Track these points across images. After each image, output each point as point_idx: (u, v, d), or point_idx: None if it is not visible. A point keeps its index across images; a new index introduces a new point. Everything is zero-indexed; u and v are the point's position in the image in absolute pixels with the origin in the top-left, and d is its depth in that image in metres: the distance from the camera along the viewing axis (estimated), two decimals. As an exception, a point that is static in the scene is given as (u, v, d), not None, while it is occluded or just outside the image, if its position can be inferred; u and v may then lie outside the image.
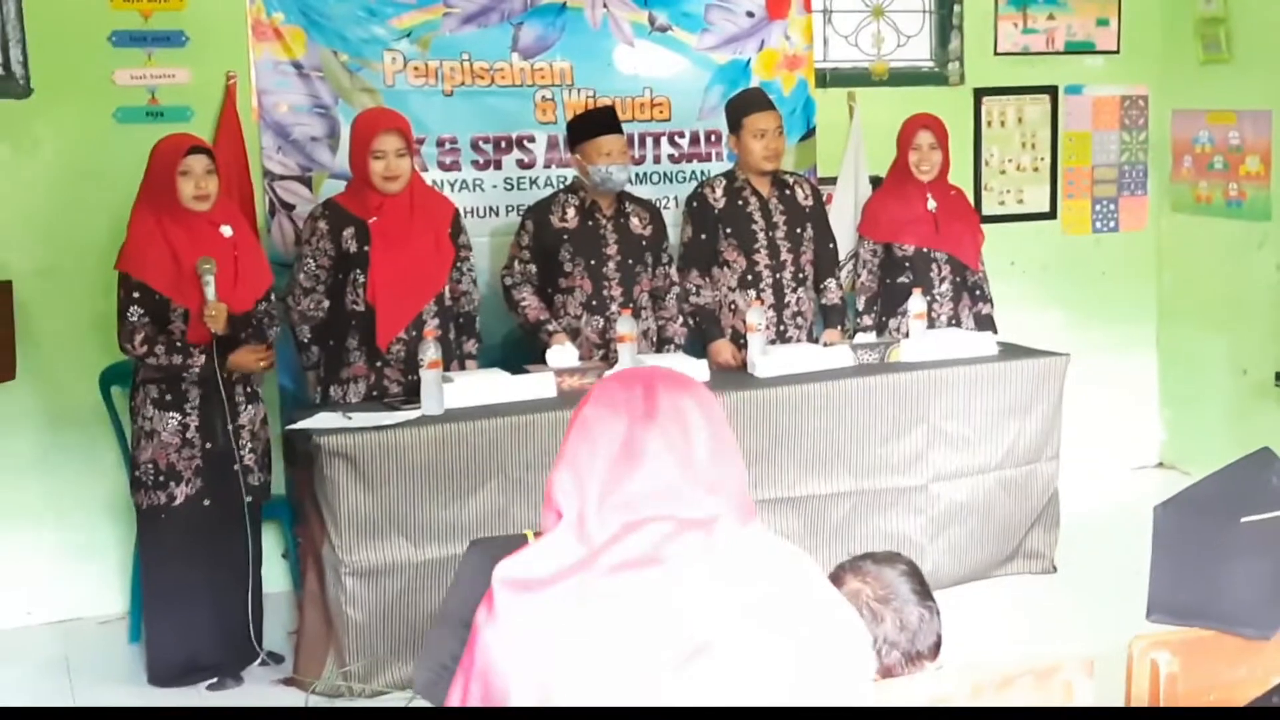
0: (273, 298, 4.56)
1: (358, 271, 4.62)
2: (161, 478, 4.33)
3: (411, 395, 4.52)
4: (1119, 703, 2.48)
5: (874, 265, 5.61)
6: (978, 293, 5.70)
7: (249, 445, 4.45)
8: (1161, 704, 2.41)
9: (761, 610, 1.61)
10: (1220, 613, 2.48)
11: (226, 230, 4.39)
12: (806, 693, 1.59)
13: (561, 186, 5.22)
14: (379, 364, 4.67)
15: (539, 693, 1.54)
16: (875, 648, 2.38)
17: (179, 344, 4.27)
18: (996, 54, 6.54)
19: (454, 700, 1.63)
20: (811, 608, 1.65)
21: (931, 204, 5.54)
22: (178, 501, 4.35)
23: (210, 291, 4.23)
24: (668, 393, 1.70)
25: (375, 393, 4.66)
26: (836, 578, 2.50)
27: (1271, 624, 2.45)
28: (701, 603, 1.58)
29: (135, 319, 4.27)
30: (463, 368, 4.85)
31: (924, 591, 2.43)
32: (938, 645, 2.42)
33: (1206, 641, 2.46)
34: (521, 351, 5.06)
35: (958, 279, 5.61)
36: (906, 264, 5.55)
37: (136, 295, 4.27)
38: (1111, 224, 6.87)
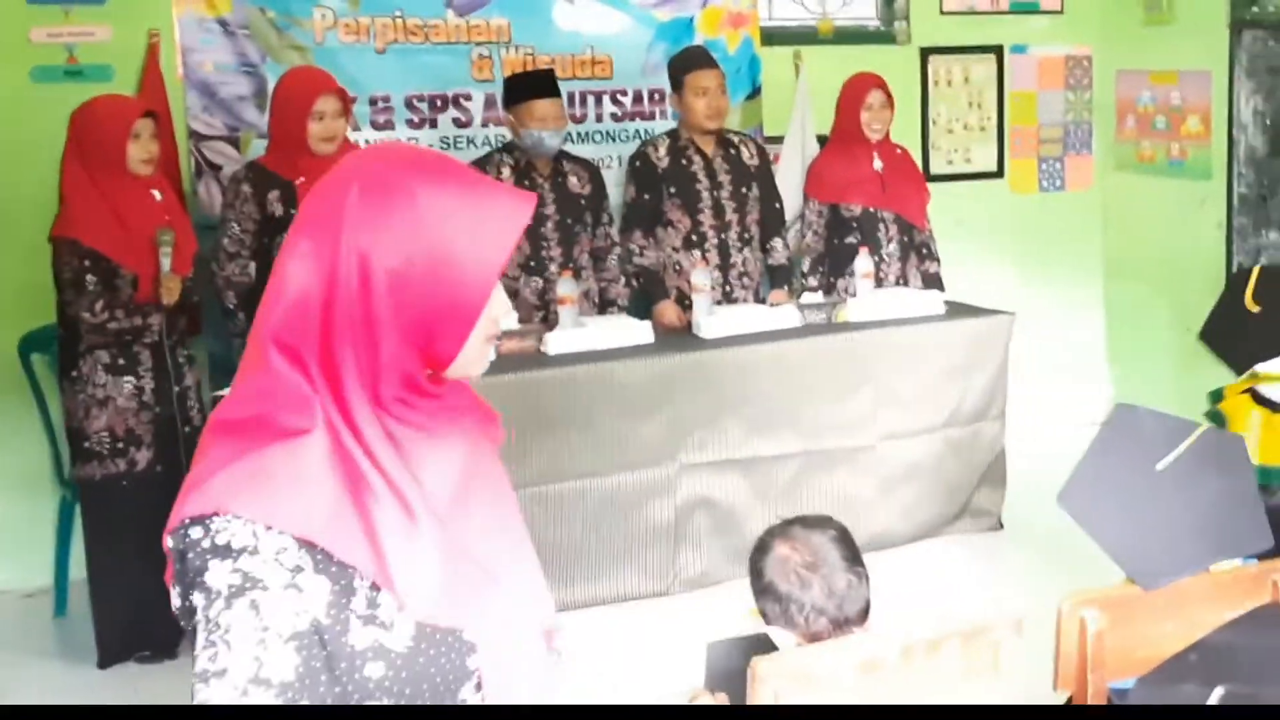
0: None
1: (284, 235, 4.48)
2: (120, 444, 4.23)
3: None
4: (1048, 660, 2.44)
5: (819, 226, 5.53)
6: (925, 251, 5.64)
7: (195, 407, 4.40)
8: (1089, 661, 2.37)
9: None
10: (1121, 551, 2.44)
11: (157, 194, 4.29)
12: None
13: (499, 145, 5.10)
14: (308, 328, 4.53)
15: None
16: (803, 614, 2.38)
17: (133, 307, 4.19)
18: (943, 13, 6.48)
19: None
20: None
21: (878, 164, 5.47)
22: (139, 467, 4.25)
23: (167, 263, 4.17)
24: None
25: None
26: (764, 544, 2.46)
27: (1157, 576, 2.40)
28: None
29: (92, 286, 4.15)
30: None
31: (853, 557, 2.42)
32: (866, 611, 2.41)
33: (1133, 599, 2.42)
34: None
35: (905, 238, 5.55)
36: (853, 224, 5.47)
37: (88, 262, 4.15)
38: (1058, 183, 6.83)
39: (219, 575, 1.34)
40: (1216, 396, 4.35)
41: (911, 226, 5.56)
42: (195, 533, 1.36)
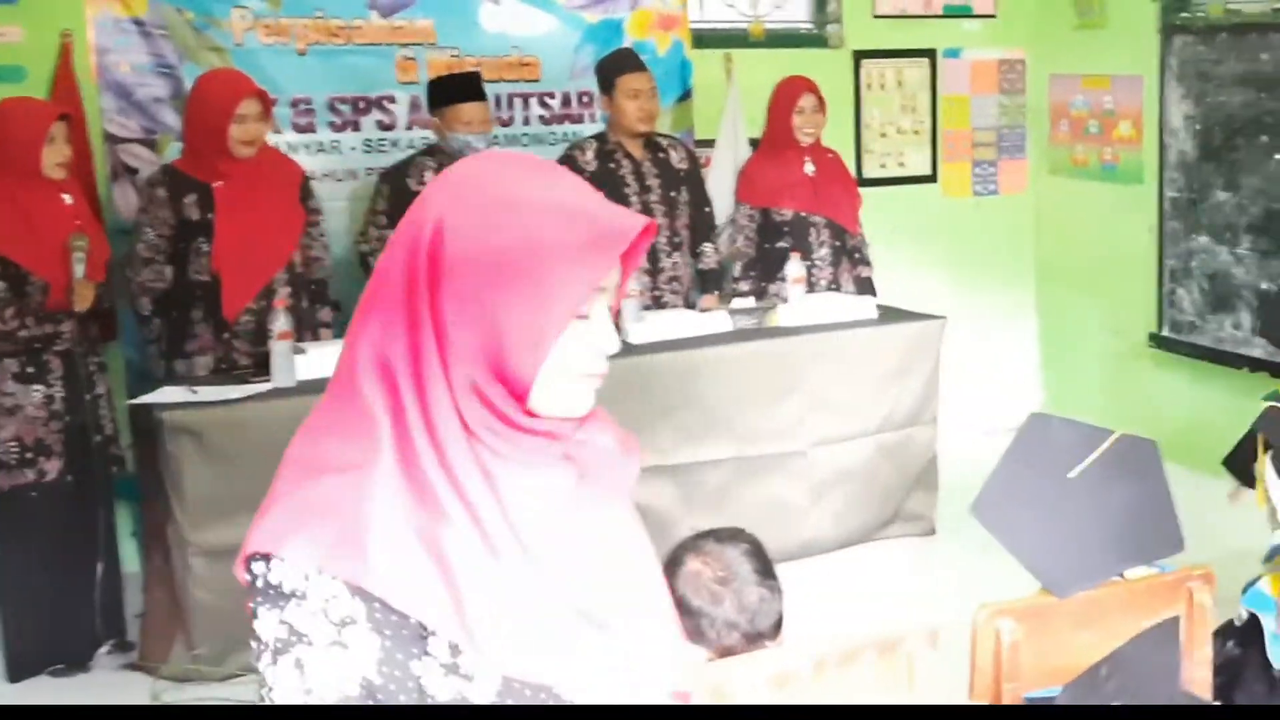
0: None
1: (201, 240, 4.39)
2: (29, 454, 4.13)
3: (261, 368, 4.30)
4: (964, 672, 2.40)
5: (751, 230, 5.49)
6: (857, 256, 5.61)
7: (107, 416, 4.30)
8: (1004, 672, 2.34)
9: None
10: (1034, 560, 2.41)
11: (68, 198, 4.19)
12: None
13: (423, 148, 5.02)
14: (226, 336, 4.44)
15: None
16: (714, 629, 2.34)
17: (44, 314, 4.09)
18: (875, 17, 6.46)
19: None
20: None
21: (810, 168, 5.44)
22: (49, 478, 4.15)
23: (80, 270, 4.08)
24: None
25: (224, 365, 4.44)
26: (676, 559, 2.43)
27: (1071, 584, 2.37)
28: None
29: (1, 293, 4.06)
30: (316, 338, 4.64)
31: (765, 570, 2.38)
32: (778, 625, 2.38)
33: (1049, 609, 2.40)
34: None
35: (837, 243, 5.52)
36: (785, 229, 5.44)
37: None
38: (991, 187, 6.83)
39: (267, 625, 1.23)
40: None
41: (844, 231, 5.53)
42: (256, 568, 1.24)
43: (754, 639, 2.35)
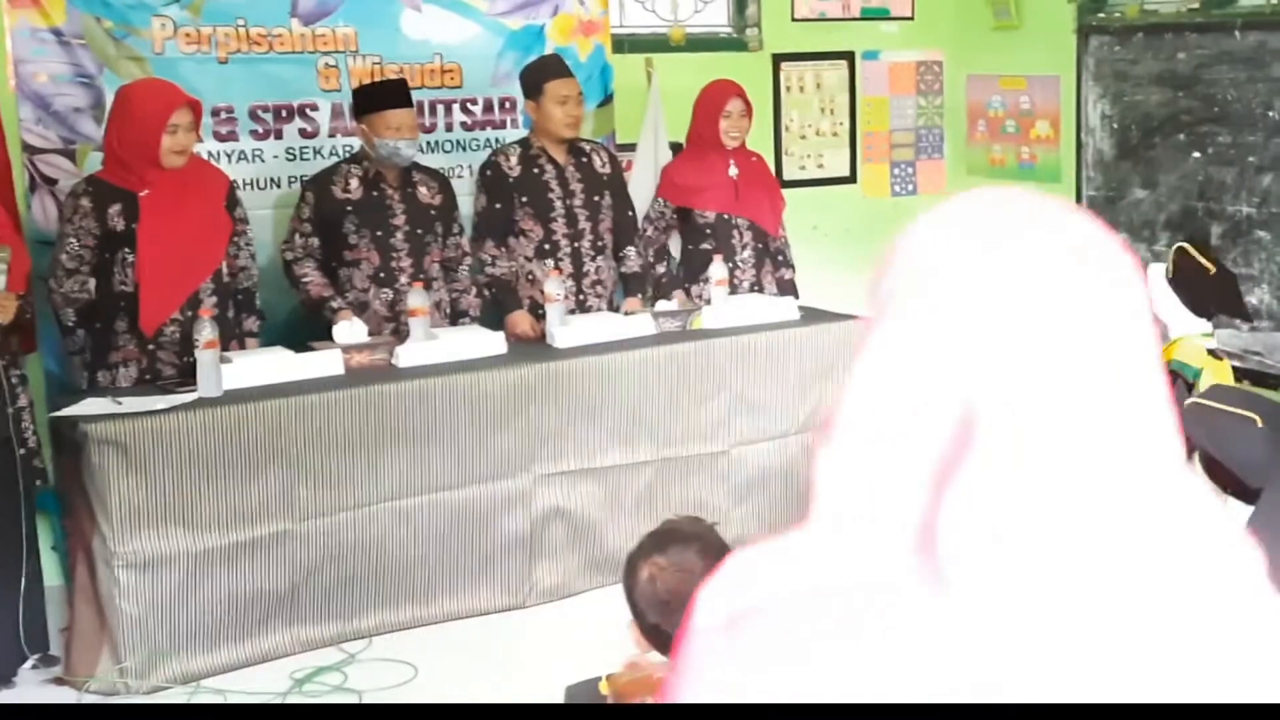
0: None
1: (126, 250, 4.38)
2: None
3: (187, 377, 4.31)
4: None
5: (661, 224, 5.55)
6: (780, 258, 5.69)
7: (30, 428, 4.24)
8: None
9: None
10: None
11: None
12: None
13: (346, 156, 5.03)
14: (150, 346, 4.44)
15: None
16: (660, 634, 2.35)
17: None
18: (794, 20, 6.54)
19: None
20: None
21: (733, 170, 5.51)
22: None
23: (2, 282, 4.03)
24: None
25: (148, 376, 4.43)
26: (631, 567, 2.40)
27: None
28: None
29: None
30: (243, 347, 4.64)
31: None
32: None
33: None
34: (306, 329, 4.86)
35: (760, 245, 5.59)
36: (708, 230, 5.50)
37: None
38: (910, 187, 6.94)
39: None
40: None
41: (766, 234, 5.60)
42: None
43: None
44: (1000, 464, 0.86)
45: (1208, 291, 4.53)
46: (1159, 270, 4.64)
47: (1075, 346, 0.88)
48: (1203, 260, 4.59)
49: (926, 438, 0.88)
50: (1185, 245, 4.67)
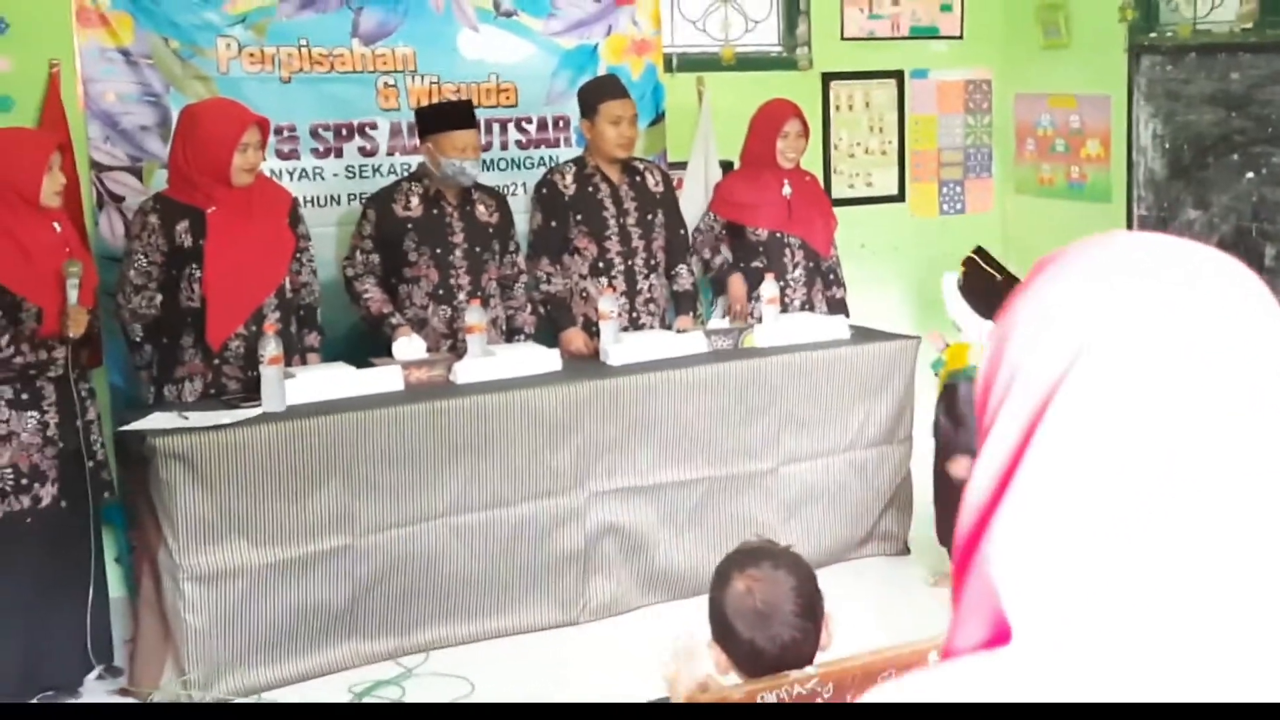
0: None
1: (193, 266, 4.46)
2: (24, 481, 4.14)
3: (251, 392, 4.38)
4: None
5: (710, 238, 5.60)
6: (831, 277, 5.73)
7: (99, 441, 4.33)
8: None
9: None
10: None
11: (57, 226, 4.24)
12: None
13: (405, 175, 5.10)
14: (216, 361, 4.51)
15: None
16: (745, 649, 2.35)
17: (37, 341, 4.13)
18: (843, 39, 6.57)
19: None
20: None
21: (787, 189, 5.55)
22: (44, 504, 4.17)
23: (74, 296, 4.11)
24: None
25: (212, 390, 4.51)
26: (724, 576, 2.41)
27: None
28: None
29: None
30: (304, 362, 4.72)
31: (806, 610, 2.36)
32: (808, 660, 2.37)
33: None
34: (366, 344, 4.93)
35: (811, 264, 5.63)
36: (760, 248, 5.55)
37: None
38: (959, 206, 6.96)
39: None
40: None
41: (818, 253, 5.64)
42: None
43: (778, 668, 2.35)
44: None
45: (995, 296, 4.83)
46: (952, 278, 5.03)
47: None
48: (989, 268, 4.99)
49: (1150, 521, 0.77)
50: (974, 255, 5.07)
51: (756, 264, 5.52)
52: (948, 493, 4.91)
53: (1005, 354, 0.84)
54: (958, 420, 4.86)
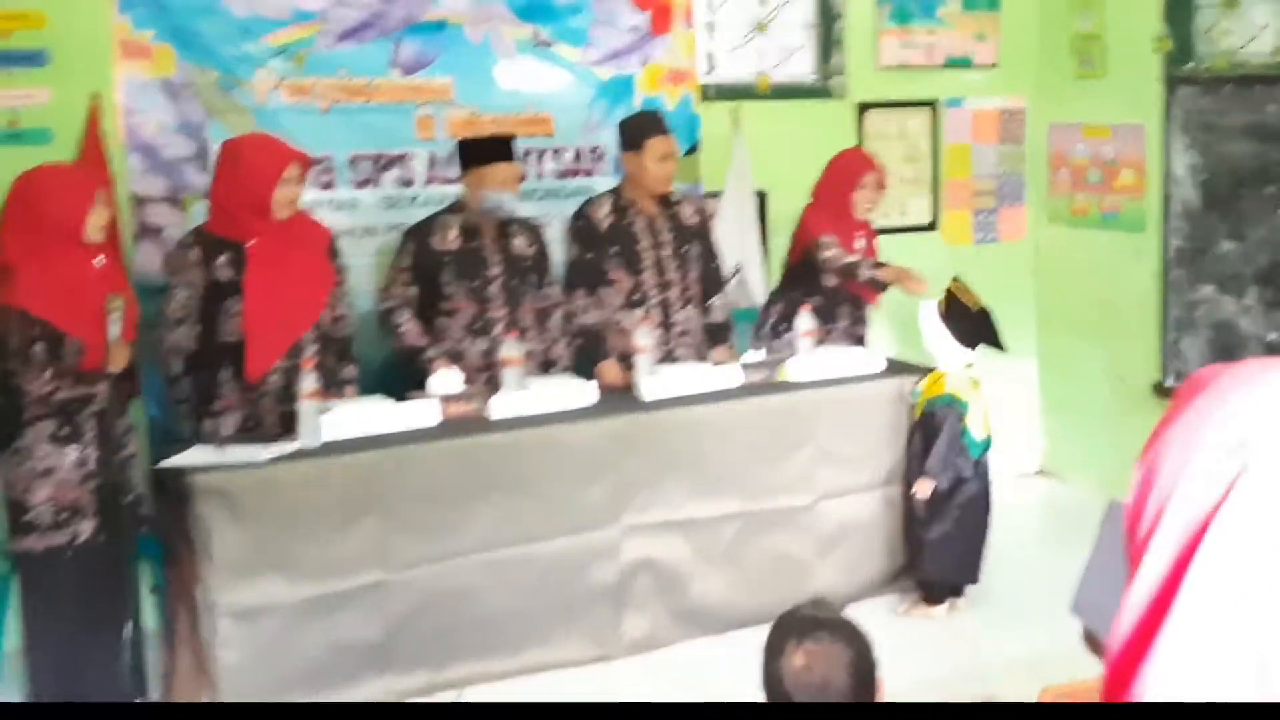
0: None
1: (232, 300, 4.46)
2: (64, 516, 4.15)
3: (287, 426, 4.38)
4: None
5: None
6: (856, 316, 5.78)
7: (137, 475, 4.35)
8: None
9: None
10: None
11: (99, 260, 4.25)
12: None
13: (443, 206, 5.10)
14: (253, 394, 4.52)
15: None
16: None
17: (79, 376, 4.14)
18: (879, 68, 6.56)
19: None
20: None
21: (860, 243, 5.61)
22: (83, 539, 4.17)
23: (116, 330, 4.14)
24: None
25: (250, 424, 4.51)
26: (779, 646, 2.35)
27: None
28: None
29: (39, 356, 4.10)
30: (341, 395, 4.71)
31: (861, 686, 2.32)
32: None
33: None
34: (401, 376, 4.93)
35: (857, 312, 5.75)
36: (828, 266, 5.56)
37: (37, 331, 4.09)
38: (992, 235, 6.93)
39: None
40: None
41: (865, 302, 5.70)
42: None
43: None
44: None
45: (973, 325, 5.11)
46: (931, 306, 5.19)
47: None
48: (967, 299, 5.14)
49: None
50: (953, 286, 5.21)
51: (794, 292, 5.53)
52: (913, 517, 5.11)
53: (1156, 481, 0.84)
54: (927, 446, 5.02)
